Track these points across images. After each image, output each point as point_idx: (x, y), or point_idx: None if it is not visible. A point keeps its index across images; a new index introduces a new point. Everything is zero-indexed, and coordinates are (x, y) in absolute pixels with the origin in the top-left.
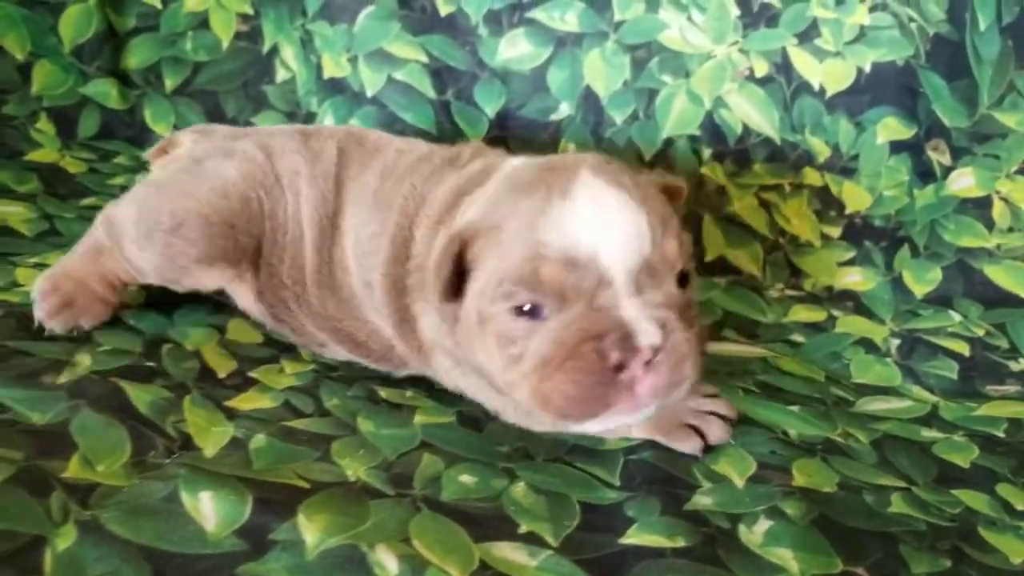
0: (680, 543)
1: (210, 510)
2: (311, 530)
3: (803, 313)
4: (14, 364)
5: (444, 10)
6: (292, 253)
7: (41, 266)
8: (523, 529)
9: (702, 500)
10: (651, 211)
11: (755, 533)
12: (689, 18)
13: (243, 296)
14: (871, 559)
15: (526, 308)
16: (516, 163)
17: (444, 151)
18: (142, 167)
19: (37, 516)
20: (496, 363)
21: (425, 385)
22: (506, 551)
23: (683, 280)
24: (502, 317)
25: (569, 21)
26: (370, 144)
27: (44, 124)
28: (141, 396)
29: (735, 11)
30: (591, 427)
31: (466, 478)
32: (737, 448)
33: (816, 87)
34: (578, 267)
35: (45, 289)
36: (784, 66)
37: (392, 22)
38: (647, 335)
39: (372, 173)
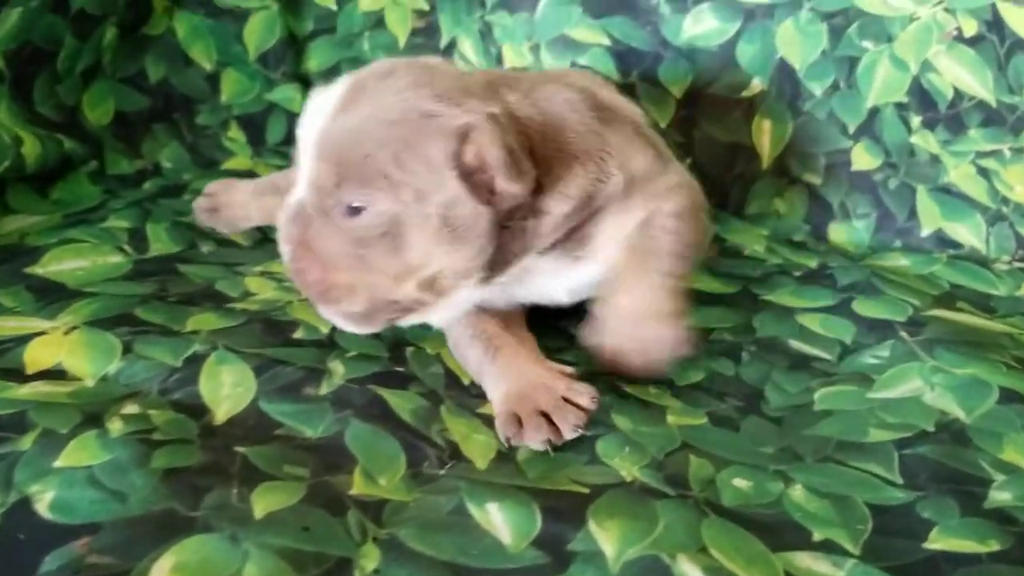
0: (994, 547)
1: (501, 521)
2: (607, 539)
3: None
4: (274, 374)
5: None
6: None
7: (267, 273)
8: (817, 537)
9: (1000, 496)
10: (351, 137)
11: None
12: None
13: None
14: None
15: None
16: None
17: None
18: None
19: (339, 536)
20: None
21: (667, 382)
22: (807, 561)
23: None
24: None
25: None
26: None
27: (235, 132)
28: (401, 404)
29: None
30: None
31: (740, 482)
32: (1020, 433)
33: None
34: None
35: (212, 189)
36: (995, 23)
37: (573, 6)
38: (283, 224)
39: None
